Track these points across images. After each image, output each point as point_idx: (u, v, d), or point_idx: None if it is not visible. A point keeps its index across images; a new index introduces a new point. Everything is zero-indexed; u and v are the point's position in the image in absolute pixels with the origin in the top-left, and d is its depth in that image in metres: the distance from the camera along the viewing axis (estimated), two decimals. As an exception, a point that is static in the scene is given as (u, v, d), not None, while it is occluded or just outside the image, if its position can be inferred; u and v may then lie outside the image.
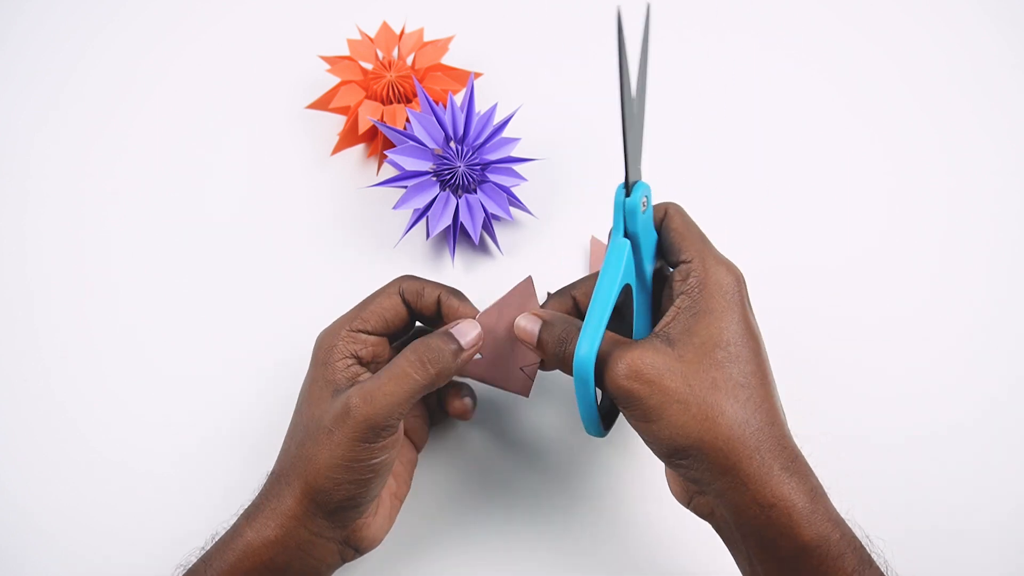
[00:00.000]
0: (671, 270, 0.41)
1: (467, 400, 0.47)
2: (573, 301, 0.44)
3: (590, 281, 0.45)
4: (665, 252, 0.41)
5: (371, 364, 0.43)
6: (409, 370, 0.39)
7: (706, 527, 0.41)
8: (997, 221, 0.57)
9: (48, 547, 0.50)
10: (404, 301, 0.44)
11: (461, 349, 0.41)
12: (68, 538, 0.50)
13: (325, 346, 0.42)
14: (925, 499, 0.50)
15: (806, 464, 0.37)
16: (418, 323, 0.47)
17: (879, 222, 0.57)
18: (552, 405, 0.52)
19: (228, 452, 0.51)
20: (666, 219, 0.41)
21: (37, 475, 0.51)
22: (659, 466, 0.42)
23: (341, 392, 0.40)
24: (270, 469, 0.43)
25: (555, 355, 0.40)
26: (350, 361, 0.42)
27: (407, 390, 0.39)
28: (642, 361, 0.36)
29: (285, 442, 0.43)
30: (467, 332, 0.42)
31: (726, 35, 0.63)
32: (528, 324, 0.41)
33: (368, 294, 0.45)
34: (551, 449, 0.51)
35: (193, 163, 0.59)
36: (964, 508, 0.50)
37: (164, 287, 0.56)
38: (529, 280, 0.43)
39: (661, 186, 0.58)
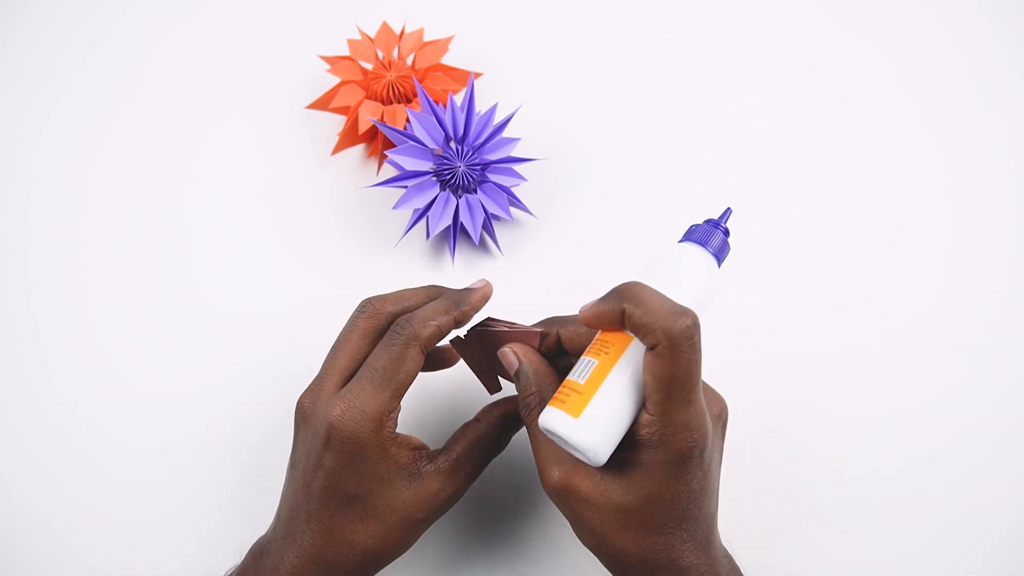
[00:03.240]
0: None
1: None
2: (557, 340, 0.42)
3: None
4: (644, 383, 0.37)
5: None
6: (480, 470, 0.43)
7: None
8: (997, 221, 0.57)
9: (48, 546, 0.49)
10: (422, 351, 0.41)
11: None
12: (66, 536, 0.50)
13: (373, 442, 0.39)
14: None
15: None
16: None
17: (879, 222, 0.57)
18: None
19: (229, 453, 0.51)
20: (653, 357, 0.35)
21: (37, 475, 0.51)
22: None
23: (415, 474, 0.41)
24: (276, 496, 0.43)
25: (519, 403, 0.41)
26: (401, 439, 0.41)
27: (479, 473, 0.43)
28: (574, 482, 0.38)
29: (336, 529, 0.40)
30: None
31: (724, 38, 0.63)
32: (511, 359, 0.42)
33: (369, 293, 0.44)
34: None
35: (194, 163, 0.59)
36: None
37: (164, 287, 0.55)
38: (538, 334, 0.42)
39: (661, 189, 0.58)
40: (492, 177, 0.53)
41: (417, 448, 0.42)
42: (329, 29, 0.62)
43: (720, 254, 0.40)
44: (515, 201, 0.55)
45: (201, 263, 0.56)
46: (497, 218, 0.57)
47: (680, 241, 0.40)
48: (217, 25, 0.64)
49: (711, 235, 0.40)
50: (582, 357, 0.38)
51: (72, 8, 0.64)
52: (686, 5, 0.64)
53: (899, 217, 0.57)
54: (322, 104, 0.59)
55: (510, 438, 0.44)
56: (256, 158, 0.59)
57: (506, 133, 0.57)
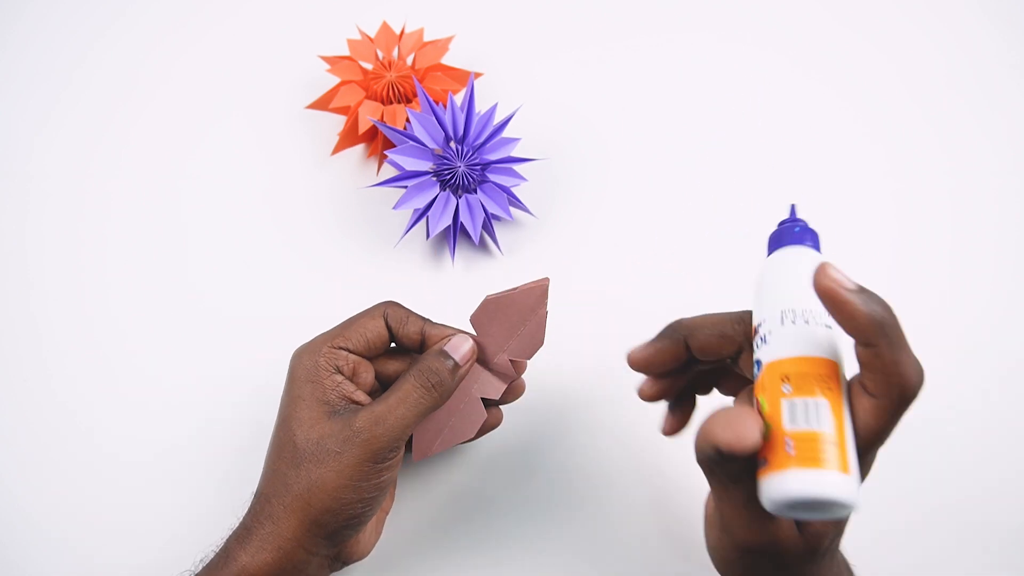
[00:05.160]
0: None
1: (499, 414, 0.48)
2: (685, 347, 0.38)
3: (714, 323, 0.38)
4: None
5: (353, 381, 0.43)
6: (416, 394, 0.40)
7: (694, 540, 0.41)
8: (997, 221, 0.57)
9: (47, 546, 0.49)
10: (387, 326, 0.44)
11: (457, 365, 0.42)
12: (66, 536, 0.50)
13: (307, 364, 0.42)
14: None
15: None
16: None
17: (879, 222, 0.57)
18: (537, 421, 0.52)
19: (229, 452, 0.51)
20: (875, 408, 0.32)
21: (37, 476, 0.51)
22: (635, 488, 0.45)
23: (339, 412, 0.40)
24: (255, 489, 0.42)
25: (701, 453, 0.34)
26: (339, 378, 0.42)
27: (415, 412, 0.40)
28: (776, 538, 0.35)
29: (272, 463, 0.41)
30: (460, 346, 0.42)
31: (724, 38, 0.63)
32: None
33: (369, 293, 0.45)
34: (536, 463, 0.51)
35: (194, 163, 0.59)
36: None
37: (164, 287, 0.55)
38: (545, 285, 0.42)
39: (661, 189, 0.58)
40: (492, 177, 0.53)
41: (353, 400, 0.41)
42: (329, 29, 0.62)
43: (816, 243, 0.37)
44: (515, 201, 0.55)
45: (201, 263, 0.56)
46: (497, 218, 0.57)
47: (776, 250, 0.37)
48: (217, 25, 0.64)
49: (802, 234, 0.37)
50: (796, 399, 0.32)
51: (72, 8, 0.64)
52: (686, 5, 0.64)
53: (899, 217, 0.57)
54: (322, 104, 0.59)
55: (452, 387, 0.42)
56: (256, 158, 0.59)
57: (506, 133, 0.57)
